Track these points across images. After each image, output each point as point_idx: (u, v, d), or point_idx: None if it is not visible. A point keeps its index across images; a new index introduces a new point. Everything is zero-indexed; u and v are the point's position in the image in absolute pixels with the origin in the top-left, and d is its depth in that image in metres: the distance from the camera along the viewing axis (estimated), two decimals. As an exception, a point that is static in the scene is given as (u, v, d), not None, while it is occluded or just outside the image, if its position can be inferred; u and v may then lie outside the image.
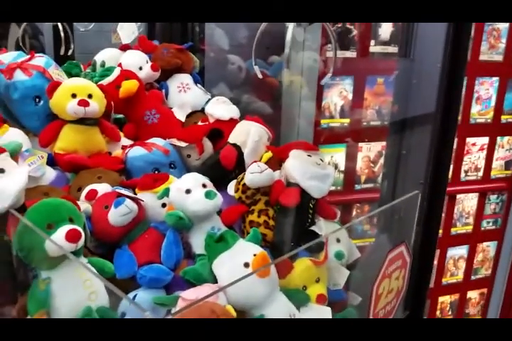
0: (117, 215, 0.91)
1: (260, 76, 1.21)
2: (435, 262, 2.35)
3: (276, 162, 1.17)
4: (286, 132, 1.81)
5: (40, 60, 1.16)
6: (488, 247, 2.46)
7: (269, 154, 1.20)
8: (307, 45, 1.83)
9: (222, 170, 1.18)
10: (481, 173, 2.33)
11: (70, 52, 1.56)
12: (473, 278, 2.47)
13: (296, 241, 1.04)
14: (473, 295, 2.49)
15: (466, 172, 2.30)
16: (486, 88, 2.22)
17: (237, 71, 1.77)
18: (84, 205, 0.94)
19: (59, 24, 1.52)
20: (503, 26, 2.14)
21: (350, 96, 1.91)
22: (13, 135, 1.02)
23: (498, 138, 2.32)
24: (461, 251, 2.42)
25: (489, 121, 2.27)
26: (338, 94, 1.90)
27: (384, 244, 1.10)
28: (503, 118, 2.29)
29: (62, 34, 1.66)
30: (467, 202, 2.35)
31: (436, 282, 2.40)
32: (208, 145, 1.27)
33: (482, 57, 2.15)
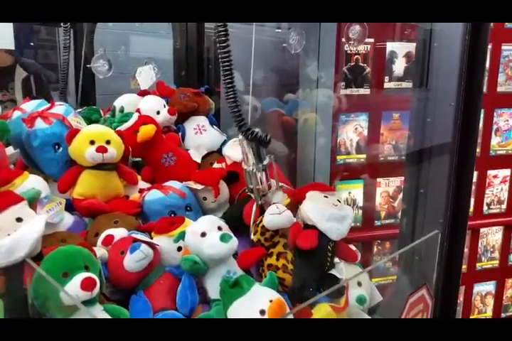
0: (133, 261, 0.91)
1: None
2: (461, 299, 2.26)
3: (293, 205, 1.14)
4: (303, 169, 1.81)
5: (60, 108, 1.20)
6: (518, 283, 2.38)
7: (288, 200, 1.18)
8: (321, 83, 1.85)
9: (242, 222, 1.15)
10: (504, 206, 2.27)
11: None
12: (503, 315, 2.37)
13: (315, 285, 1.00)
14: (505, 333, 2.38)
15: (488, 205, 2.25)
16: (505, 119, 2.20)
17: (253, 111, 1.79)
18: (101, 251, 0.95)
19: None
20: (519, 58, 2.14)
21: (365, 132, 1.92)
22: (33, 182, 1.03)
23: (521, 170, 2.27)
24: (488, 287, 2.33)
25: (510, 152, 2.23)
26: (354, 130, 1.91)
27: (405, 286, 1.06)
28: (525, 149, 2.26)
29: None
30: (492, 236, 2.28)
31: (464, 320, 2.31)
32: (223, 187, 1.27)
33: (500, 89, 2.14)
